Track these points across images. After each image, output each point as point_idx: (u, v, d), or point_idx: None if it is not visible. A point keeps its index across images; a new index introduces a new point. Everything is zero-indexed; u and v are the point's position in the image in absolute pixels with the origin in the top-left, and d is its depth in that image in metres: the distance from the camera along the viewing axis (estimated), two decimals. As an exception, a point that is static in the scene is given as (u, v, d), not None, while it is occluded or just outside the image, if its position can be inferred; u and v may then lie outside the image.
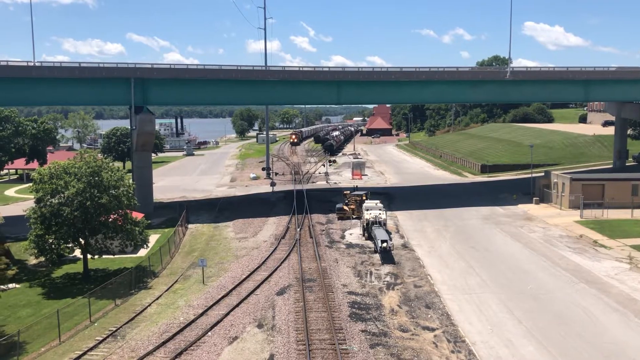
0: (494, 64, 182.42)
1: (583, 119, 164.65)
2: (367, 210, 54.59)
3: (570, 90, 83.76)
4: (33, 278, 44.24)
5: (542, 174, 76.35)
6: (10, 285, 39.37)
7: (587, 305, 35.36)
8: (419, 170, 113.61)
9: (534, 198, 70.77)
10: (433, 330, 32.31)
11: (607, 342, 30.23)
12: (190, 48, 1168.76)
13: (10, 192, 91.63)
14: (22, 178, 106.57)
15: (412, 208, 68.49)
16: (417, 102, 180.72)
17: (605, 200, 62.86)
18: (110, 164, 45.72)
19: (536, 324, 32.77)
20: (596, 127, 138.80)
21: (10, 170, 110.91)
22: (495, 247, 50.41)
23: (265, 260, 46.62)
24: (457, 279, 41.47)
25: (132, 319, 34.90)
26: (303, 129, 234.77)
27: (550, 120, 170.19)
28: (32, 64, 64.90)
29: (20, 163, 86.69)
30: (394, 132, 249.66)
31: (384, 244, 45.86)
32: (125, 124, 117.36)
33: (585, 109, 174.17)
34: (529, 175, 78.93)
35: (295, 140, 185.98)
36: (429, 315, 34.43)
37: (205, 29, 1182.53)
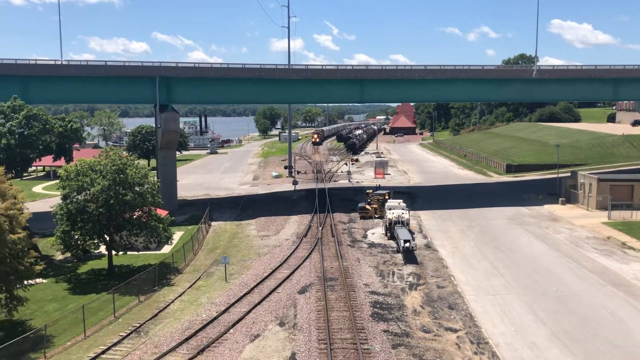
0: (520, 62, 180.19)
1: (611, 118, 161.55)
2: (390, 209, 54.26)
3: (599, 89, 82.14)
4: (59, 273, 45.01)
5: (569, 174, 75.09)
6: (38, 280, 40.05)
7: (614, 308, 34.68)
8: (443, 169, 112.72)
9: (560, 199, 69.66)
10: (456, 331, 32.00)
11: (634, 345, 29.62)
12: (214, 47, 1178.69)
13: (38, 188, 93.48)
14: (49, 175, 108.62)
15: (436, 208, 67.96)
16: (442, 101, 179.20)
17: (635, 201, 61.57)
18: (135, 161, 46.26)
19: (561, 326, 32.24)
20: (625, 126, 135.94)
21: (38, 167, 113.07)
22: (520, 247, 49.74)
23: (287, 259, 46.72)
24: (480, 279, 41.01)
25: (156, 315, 35.28)
26: (325, 128, 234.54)
27: (577, 119, 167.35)
28: (59, 62, 66.09)
29: (47, 160, 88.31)
30: (417, 131, 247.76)
31: (407, 244, 45.51)
32: (150, 122, 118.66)
33: (613, 108, 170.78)
34: (555, 176, 77.69)
35: (317, 140, 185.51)
36: (452, 316, 34.10)
37: (229, 28, 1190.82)
